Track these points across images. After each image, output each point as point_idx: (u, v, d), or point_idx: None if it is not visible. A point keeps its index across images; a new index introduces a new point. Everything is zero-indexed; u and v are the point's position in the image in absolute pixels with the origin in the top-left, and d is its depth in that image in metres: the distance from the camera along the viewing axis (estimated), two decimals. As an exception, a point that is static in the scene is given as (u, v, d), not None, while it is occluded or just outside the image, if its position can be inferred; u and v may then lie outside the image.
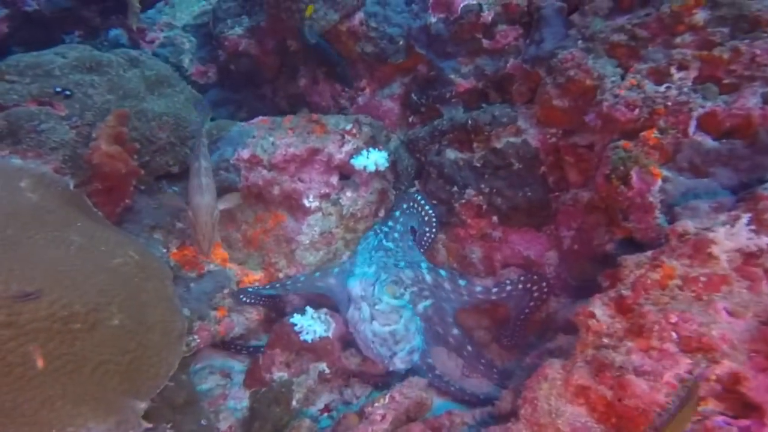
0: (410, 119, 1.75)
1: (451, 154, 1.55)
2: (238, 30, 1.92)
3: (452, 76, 1.59)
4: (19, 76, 1.35)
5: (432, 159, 1.59)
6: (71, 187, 1.34)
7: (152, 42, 2.17)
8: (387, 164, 1.63)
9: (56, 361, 0.94)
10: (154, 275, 1.25)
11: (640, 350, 0.91)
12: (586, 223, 1.39)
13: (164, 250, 1.55)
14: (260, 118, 1.78)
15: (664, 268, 0.97)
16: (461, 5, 1.51)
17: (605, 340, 0.97)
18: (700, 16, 1.22)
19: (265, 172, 1.64)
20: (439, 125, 1.56)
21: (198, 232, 1.28)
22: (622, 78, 1.29)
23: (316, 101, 1.91)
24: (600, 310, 0.99)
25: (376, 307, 1.44)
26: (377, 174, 1.66)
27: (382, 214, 1.76)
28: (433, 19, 1.58)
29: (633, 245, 1.17)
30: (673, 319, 0.90)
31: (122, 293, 1.11)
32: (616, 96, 1.26)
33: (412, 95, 1.71)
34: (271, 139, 1.65)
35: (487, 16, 1.50)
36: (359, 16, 1.71)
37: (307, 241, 1.71)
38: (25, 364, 0.88)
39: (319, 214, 1.70)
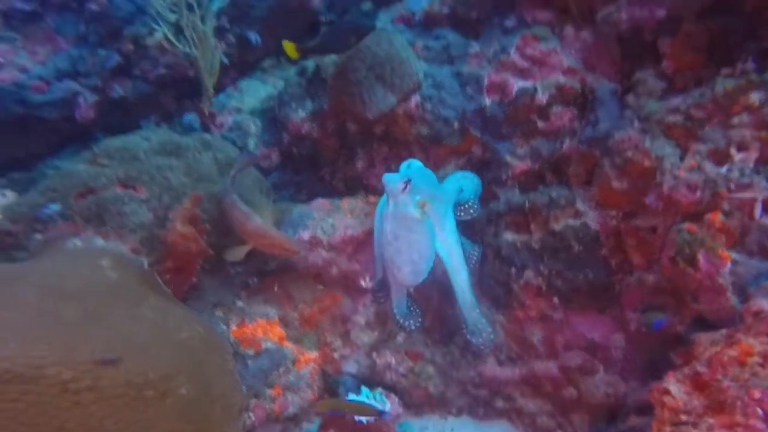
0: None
1: (508, 236, 1.56)
2: (302, 113, 2.10)
3: (508, 158, 1.64)
4: (108, 160, 1.51)
5: (490, 241, 1.60)
6: (145, 266, 1.44)
7: (221, 126, 2.41)
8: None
9: (130, 427, 0.95)
10: (217, 350, 1.29)
11: (723, 427, 0.88)
12: (652, 305, 1.35)
13: (225, 327, 1.61)
14: (320, 200, 1.89)
15: (741, 345, 0.95)
16: (516, 88, 1.60)
17: (683, 417, 0.93)
18: (755, 96, 1.24)
19: (324, 252, 1.70)
20: (495, 207, 1.59)
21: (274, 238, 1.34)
22: (681, 159, 1.30)
23: (373, 184, 2.01)
24: (675, 387, 0.97)
25: (398, 209, 1.47)
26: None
27: (436, 294, 1.75)
28: (488, 102, 1.68)
29: (704, 325, 1.15)
30: (757, 395, 0.87)
31: (189, 365, 1.14)
32: (676, 177, 1.26)
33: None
34: (331, 221, 1.73)
35: (542, 98, 1.58)
36: (415, 99, 1.84)
37: (363, 322, 1.72)
38: (102, 427, 0.90)
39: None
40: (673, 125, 1.34)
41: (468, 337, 1.51)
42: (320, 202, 1.89)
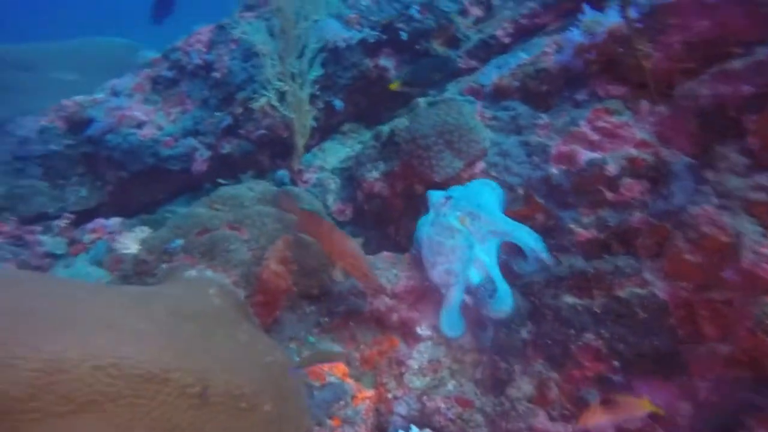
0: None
1: (568, 298, 1.60)
2: (375, 174, 2.36)
3: (572, 226, 1.71)
4: (222, 206, 1.85)
5: (548, 302, 1.65)
6: (242, 297, 1.70)
7: (307, 182, 2.76)
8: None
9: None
10: (286, 376, 1.46)
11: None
12: (725, 376, 1.29)
13: (297, 359, 1.79)
14: (385, 253, 2.08)
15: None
16: (585, 159, 1.70)
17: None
18: None
19: (387, 300, 1.86)
20: (557, 271, 1.65)
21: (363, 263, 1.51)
22: (763, 236, 1.28)
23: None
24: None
25: (439, 218, 1.70)
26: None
27: (487, 348, 1.80)
28: (555, 171, 1.79)
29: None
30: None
31: (271, 386, 1.33)
32: (757, 253, 1.25)
33: (527, 243, 1.85)
34: (395, 271, 1.90)
35: (612, 169, 1.65)
36: (481, 165, 2.00)
37: (416, 366, 1.81)
38: (204, 430, 1.09)
39: (430, 342, 1.82)
40: (756, 202, 1.34)
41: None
42: (385, 255, 2.07)
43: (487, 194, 1.78)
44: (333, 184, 2.73)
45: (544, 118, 2.03)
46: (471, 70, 2.91)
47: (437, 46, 3.11)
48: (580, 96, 1.96)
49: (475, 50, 2.90)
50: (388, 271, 1.93)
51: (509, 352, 1.71)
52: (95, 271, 3.27)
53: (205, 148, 3.57)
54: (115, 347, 1.00)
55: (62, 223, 3.36)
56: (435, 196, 1.75)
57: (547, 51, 2.20)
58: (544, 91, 2.12)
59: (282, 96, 2.72)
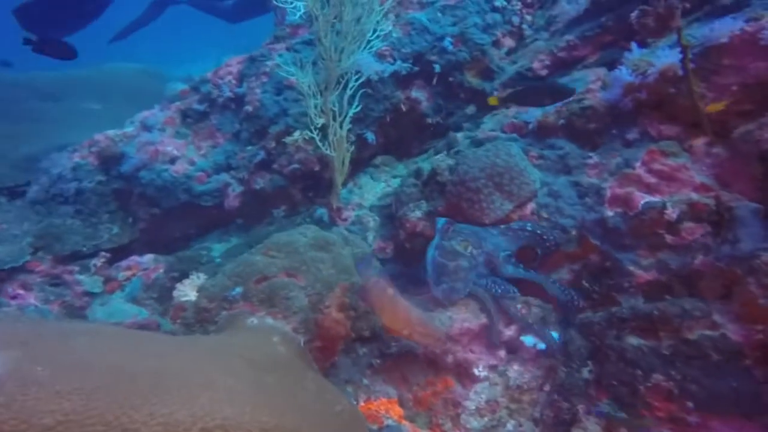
0: (580, 305, 1.92)
1: (633, 340, 1.66)
2: (418, 213, 2.45)
3: (631, 268, 1.77)
4: (277, 252, 1.95)
5: (611, 343, 1.70)
6: (302, 344, 1.78)
7: (346, 220, 2.86)
8: (558, 343, 1.79)
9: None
10: (359, 423, 1.54)
11: None
12: None
13: (354, 402, 1.86)
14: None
15: None
16: (642, 202, 1.77)
17: None
18: None
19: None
20: (617, 312, 1.71)
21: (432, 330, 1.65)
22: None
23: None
24: None
25: (443, 242, 2.00)
26: (545, 351, 1.83)
27: (548, 388, 1.86)
28: (610, 213, 1.86)
29: None
30: None
31: None
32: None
33: (584, 282, 1.92)
34: (449, 314, 1.97)
35: (672, 213, 1.72)
36: (531, 206, 2.08)
37: (473, 407, 1.87)
38: None
39: (486, 383, 1.88)
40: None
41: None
42: (428, 296, 2.15)
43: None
44: (372, 221, 2.83)
45: (593, 158, 2.11)
46: (506, 103, 3.02)
47: (471, 78, 3.23)
48: (631, 135, 2.04)
49: (511, 83, 3.02)
50: (443, 314, 2.00)
51: (571, 392, 1.76)
52: (130, 308, 3.39)
53: (237, 183, 3.71)
54: (217, 408, 1.08)
55: (98, 262, 3.51)
56: (440, 221, 2.10)
57: (592, 88, 2.29)
58: (591, 130, 2.21)
59: (320, 132, 2.84)
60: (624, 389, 1.64)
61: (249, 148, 3.81)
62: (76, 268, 3.44)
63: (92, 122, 6.34)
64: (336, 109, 2.71)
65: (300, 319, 1.82)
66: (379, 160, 3.53)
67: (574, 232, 1.96)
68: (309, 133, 2.76)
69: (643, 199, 1.79)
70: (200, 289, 1.91)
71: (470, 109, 3.27)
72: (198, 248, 3.48)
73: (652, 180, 1.82)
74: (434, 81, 3.35)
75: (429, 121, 3.39)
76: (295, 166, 3.49)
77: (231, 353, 1.42)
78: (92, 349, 1.22)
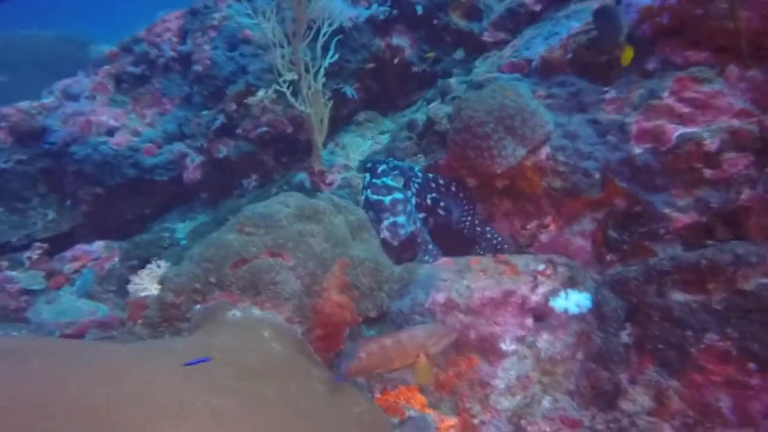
0: (608, 258, 1.75)
1: (678, 296, 1.49)
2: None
3: (666, 211, 1.59)
4: (255, 228, 1.62)
5: (652, 301, 1.54)
6: (299, 335, 1.51)
7: (331, 184, 2.55)
8: (591, 306, 1.61)
9: None
10: (384, 426, 1.31)
11: None
12: None
13: (369, 395, 1.63)
14: (443, 259, 1.92)
15: None
16: (675, 134, 1.57)
17: None
18: None
19: (462, 316, 1.71)
20: (656, 265, 1.54)
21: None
22: None
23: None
24: None
25: (374, 180, 2.00)
26: (576, 316, 1.64)
27: (580, 356, 1.70)
28: (638, 150, 1.66)
29: None
30: None
31: None
32: None
33: (610, 232, 1.74)
34: (465, 282, 1.75)
35: (711, 144, 1.53)
36: (545, 150, 1.85)
37: (503, 386, 1.68)
38: None
39: (515, 357, 1.69)
40: None
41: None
42: (445, 261, 1.91)
43: None
44: (362, 183, 2.53)
45: (611, 92, 1.89)
46: (499, 44, 2.74)
47: (457, 19, 2.91)
48: (651, 64, 1.83)
49: (501, 21, 2.73)
50: (458, 283, 1.77)
51: (610, 359, 1.60)
52: (85, 305, 2.98)
53: (195, 152, 3.28)
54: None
55: (34, 254, 3.04)
56: (368, 161, 2.13)
57: (599, 16, 2.04)
58: (602, 63, 1.98)
59: (291, 87, 2.45)
60: (672, 353, 1.48)
61: (204, 112, 3.36)
62: (5, 263, 2.96)
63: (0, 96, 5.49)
64: (308, 59, 2.34)
65: (293, 306, 1.53)
66: (361, 116, 3.20)
67: (597, 176, 1.76)
68: (278, 88, 2.37)
69: (676, 131, 1.59)
70: (163, 280, 1.57)
71: (459, 54, 2.97)
72: (158, 230, 3.07)
73: (685, 110, 1.62)
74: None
75: (415, 69, 3.07)
76: (263, 129, 3.10)
77: (213, 363, 1.13)
78: (16, 376, 0.90)
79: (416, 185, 2.03)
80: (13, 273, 2.90)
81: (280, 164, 3.26)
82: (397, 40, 3.12)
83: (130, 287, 1.57)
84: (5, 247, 3.20)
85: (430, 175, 2.09)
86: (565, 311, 1.63)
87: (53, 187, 3.53)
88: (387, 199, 1.96)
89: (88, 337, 2.72)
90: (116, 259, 3.02)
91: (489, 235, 2.04)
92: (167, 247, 2.87)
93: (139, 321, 1.51)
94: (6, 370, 0.91)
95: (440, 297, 1.77)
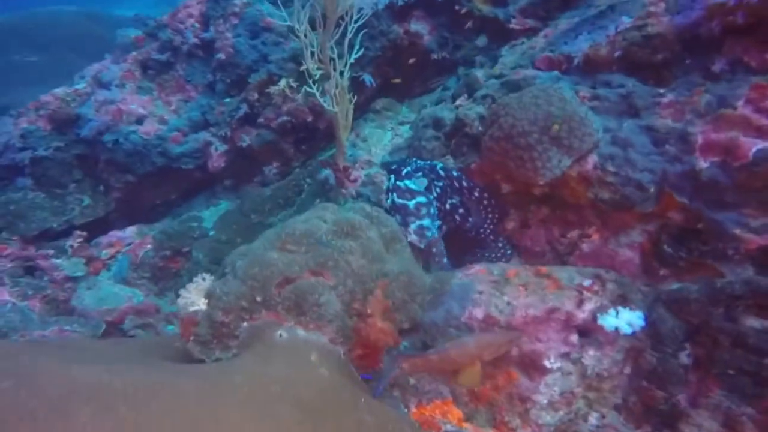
0: (660, 272, 1.47)
1: (753, 322, 1.24)
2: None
3: (737, 231, 1.30)
4: (296, 246, 1.38)
5: (720, 325, 1.28)
6: (342, 355, 1.28)
7: (355, 181, 2.24)
8: (645, 325, 1.36)
9: None
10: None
11: None
12: None
13: (405, 410, 1.42)
14: (476, 267, 1.65)
15: None
16: (753, 149, 1.26)
17: None
18: None
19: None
20: (725, 288, 1.27)
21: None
22: None
23: (527, 245, 1.75)
24: None
25: (398, 182, 1.85)
26: (628, 335, 1.39)
27: (628, 370, 1.46)
28: (704, 164, 1.35)
29: None
30: None
31: None
32: None
33: (665, 247, 1.45)
34: (506, 298, 1.49)
35: (798, 163, 1.23)
36: (593, 159, 1.54)
37: (545, 401, 1.46)
38: None
39: (558, 373, 1.46)
40: None
41: None
42: (478, 271, 1.65)
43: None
44: (386, 181, 2.22)
45: (667, 95, 1.55)
46: (527, 32, 2.33)
47: (480, 5, 2.48)
48: (718, 66, 1.47)
49: (530, 7, 2.31)
50: (497, 298, 1.51)
51: (666, 380, 1.36)
52: (122, 290, 2.75)
53: (219, 141, 2.94)
54: None
55: (75, 242, 2.78)
56: (392, 163, 1.94)
57: (653, 11, 1.66)
58: (658, 62, 1.62)
59: (314, 82, 2.10)
60: (746, 379, 1.24)
61: (227, 100, 2.99)
62: (51, 252, 2.71)
63: (33, 77, 5.05)
64: (335, 56, 1.96)
65: (336, 327, 1.30)
66: (379, 104, 2.83)
67: (652, 189, 1.45)
68: (309, 90, 2.00)
69: (754, 145, 1.28)
70: (210, 296, 1.33)
71: (481, 41, 2.56)
72: (186, 219, 2.79)
73: (765, 122, 1.29)
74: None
75: (434, 57, 2.66)
76: (285, 118, 2.75)
77: (272, 395, 0.93)
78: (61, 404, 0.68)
79: (438, 188, 1.84)
80: (59, 260, 2.66)
81: (300, 152, 2.94)
82: (415, 27, 2.70)
83: (180, 302, 1.35)
84: (48, 233, 2.94)
85: (455, 173, 1.80)
86: (616, 330, 1.38)
87: (88, 172, 3.22)
88: (412, 204, 1.80)
89: (127, 324, 2.52)
90: (149, 246, 2.76)
91: (500, 244, 1.82)
92: (197, 238, 2.60)
93: (191, 338, 1.28)
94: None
95: (478, 312, 1.52)
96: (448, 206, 1.84)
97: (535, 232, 1.76)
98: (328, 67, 1.99)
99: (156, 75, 3.24)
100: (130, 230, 2.98)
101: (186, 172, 3.05)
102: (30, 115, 3.18)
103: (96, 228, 3.05)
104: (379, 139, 2.45)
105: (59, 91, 3.21)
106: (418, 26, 2.66)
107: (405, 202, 1.80)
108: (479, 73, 2.10)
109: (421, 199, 1.79)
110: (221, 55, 2.88)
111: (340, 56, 1.98)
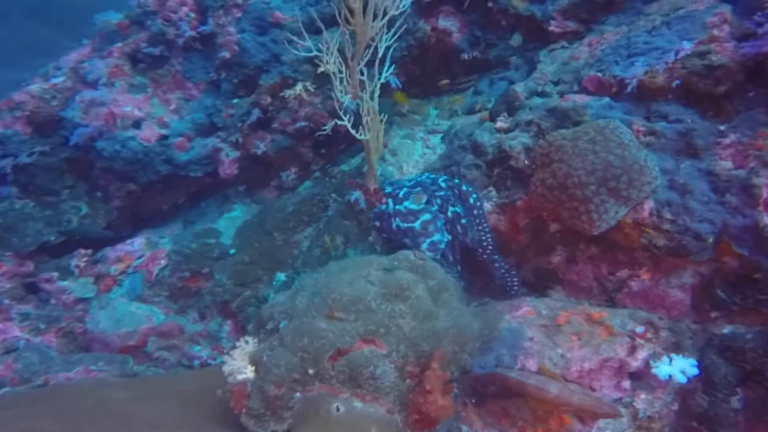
0: (712, 315, 1.51)
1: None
2: (488, 206, 1.84)
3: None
4: (345, 314, 1.38)
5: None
6: (399, 423, 1.32)
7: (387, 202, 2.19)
8: (698, 373, 1.42)
9: None
10: None
11: None
12: None
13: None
14: (524, 309, 1.68)
15: None
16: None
17: None
18: None
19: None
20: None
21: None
22: None
23: (573, 280, 1.76)
24: None
25: (397, 207, 1.84)
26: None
27: (676, 407, 1.55)
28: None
29: None
30: None
31: None
32: None
33: (718, 291, 1.48)
34: (559, 350, 1.53)
35: None
36: (648, 205, 1.53)
37: (598, 445, 1.55)
38: None
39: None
40: None
41: None
42: (526, 312, 1.68)
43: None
44: (385, 206, 2.17)
45: (730, 135, 1.51)
46: (566, 35, 2.22)
47: (516, 2, 2.33)
48: (787, 106, 1.43)
49: (573, 8, 2.17)
50: (551, 350, 1.55)
51: (718, 423, 1.45)
52: (139, 309, 2.74)
53: (230, 147, 2.82)
54: None
55: (80, 262, 2.73)
56: (386, 189, 1.92)
57: (716, 35, 1.58)
58: (720, 93, 1.56)
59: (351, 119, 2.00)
60: None
61: (235, 101, 2.84)
62: (55, 274, 2.66)
63: None
64: (365, 78, 1.86)
65: (393, 398, 1.33)
66: (405, 106, 2.71)
67: (710, 240, 1.46)
68: (339, 122, 1.89)
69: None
70: (257, 364, 1.35)
71: (516, 39, 2.43)
72: (201, 233, 2.73)
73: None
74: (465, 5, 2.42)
75: (464, 57, 2.53)
76: (302, 123, 2.64)
77: None
78: None
79: (439, 199, 1.85)
80: (65, 283, 2.62)
81: (318, 155, 2.85)
82: (444, 23, 2.54)
83: (226, 368, 1.36)
84: (45, 247, 2.86)
85: (465, 187, 1.83)
86: (670, 378, 1.44)
87: (80, 175, 3.09)
88: (417, 225, 1.80)
89: (150, 346, 2.54)
90: (162, 261, 2.73)
91: (506, 273, 1.83)
92: (217, 257, 2.57)
93: (244, 411, 1.31)
94: None
95: (531, 364, 1.56)
96: (450, 214, 1.85)
97: (582, 268, 1.77)
98: (357, 92, 1.89)
99: (148, 68, 3.04)
100: (138, 242, 2.92)
101: (194, 179, 2.95)
102: (4, 117, 2.96)
103: (99, 241, 2.98)
104: (409, 153, 2.38)
105: (35, 88, 2.98)
106: (447, 23, 2.51)
107: (410, 225, 1.80)
108: (519, 88, 2.01)
109: (426, 216, 1.80)
110: (225, 53, 2.69)
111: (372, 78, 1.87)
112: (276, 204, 2.70)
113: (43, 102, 2.93)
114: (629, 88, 1.71)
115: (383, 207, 1.90)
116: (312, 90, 2.54)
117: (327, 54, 1.74)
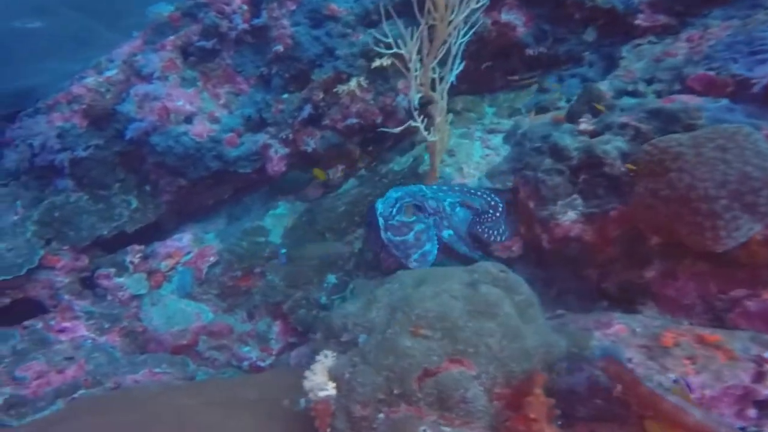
0: None
1: None
2: (572, 215, 1.72)
3: None
4: (431, 331, 1.31)
5: None
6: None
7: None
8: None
9: None
10: None
11: None
12: None
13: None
14: (617, 326, 1.56)
15: None
16: None
17: None
18: None
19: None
20: None
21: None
22: None
23: (671, 296, 1.63)
24: None
25: (389, 222, 1.86)
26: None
27: None
28: None
29: None
30: None
31: None
32: None
33: None
34: (672, 376, 1.41)
35: None
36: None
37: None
38: None
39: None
40: None
41: None
42: (618, 330, 1.56)
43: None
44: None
45: None
46: (655, 29, 2.06)
47: (595, -8, 2.18)
48: None
49: (666, 0, 2.01)
50: (661, 375, 1.43)
51: None
52: (188, 306, 2.77)
53: (280, 143, 2.79)
54: None
55: (135, 258, 2.77)
56: (380, 206, 1.92)
57: None
58: None
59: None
60: None
61: (285, 96, 2.80)
62: (112, 270, 2.71)
63: (39, 47, 4.65)
64: (437, 75, 1.77)
65: (484, 423, 1.26)
66: (459, 104, 2.61)
67: None
68: (414, 123, 1.82)
69: None
70: (339, 381, 1.31)
71: (590, 34, 2.28)
72: (250, 231, 2.72)
73: None
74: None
75: (529, 52, 2.40)
76: (353, 120, 2.58)
77: None
78: None
79: (431, 209, 1.88)
80: (121, 279, 2.67)
81: (366, 153, 2.79)
82: (507, 16, 2.41)
83: (307, 384, 1.32)
84: (99, 241, 2.93)
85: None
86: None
87: (130, 168, 3.14)
88: (411, 236, 1.82)
89: (201, 345, 2.56)
90: (211, 258, 2.74)
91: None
92: (267, 257, 2.56)
93: (328, 430, 1.28)
94: None
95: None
96: (447, 207, 1.89)
97: (683, 285, 1.63)
98: (428, 90, 1.80)
99: (198, 62, 3.03)
100: (187, 238, 2.95)
101: (242, 175, 2.95)
102: (63, 110, 3.03)
103: (146, 230, 3.03)
104: (468, 154, 2.28)
105: (90, 81, 3.03)
106: (511, 16, 2.38)
107: (403, 238, 1.81)
108: (604, 86, 1.88)
109: (419, 226, 1.81)
110: (279, 47, 2.65)
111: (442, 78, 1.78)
112: (325, 203, 2.65)
113: (98, 95, 2.97)
114: (755, 88, 1.55)
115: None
116: (365, 86, 2.47)
117: (407, 50, 1.65)
